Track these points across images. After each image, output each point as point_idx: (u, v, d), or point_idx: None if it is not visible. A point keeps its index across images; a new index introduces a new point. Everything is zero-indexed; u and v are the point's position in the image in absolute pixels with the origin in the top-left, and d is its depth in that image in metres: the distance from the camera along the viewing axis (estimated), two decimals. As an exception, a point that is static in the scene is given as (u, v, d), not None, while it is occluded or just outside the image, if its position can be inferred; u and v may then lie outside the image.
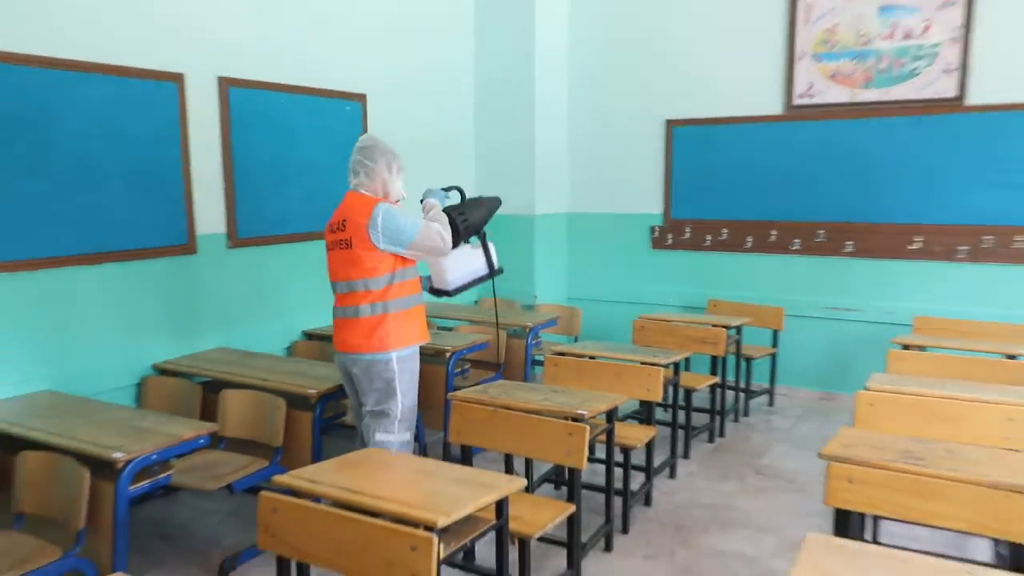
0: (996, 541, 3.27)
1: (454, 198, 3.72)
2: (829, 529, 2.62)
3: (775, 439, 5.06)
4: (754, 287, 6.03)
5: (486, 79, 6.45)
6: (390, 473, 2.59)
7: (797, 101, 5.79)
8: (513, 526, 2.73)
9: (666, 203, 6.37)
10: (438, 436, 4.57)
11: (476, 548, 3.21)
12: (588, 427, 3.02)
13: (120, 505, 2.88)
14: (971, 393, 3.28)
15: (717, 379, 4.94)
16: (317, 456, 3.70)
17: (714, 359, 5.06)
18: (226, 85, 4.45)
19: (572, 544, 3.14)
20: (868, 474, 2.51)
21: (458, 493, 2.40)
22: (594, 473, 4.10)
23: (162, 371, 4.17)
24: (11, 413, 3.34)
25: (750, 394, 5.61)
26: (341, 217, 3.38)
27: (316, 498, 2.41)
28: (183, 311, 4.34)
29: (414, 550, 2.12)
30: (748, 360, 5.50)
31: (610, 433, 3.42)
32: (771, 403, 5.79)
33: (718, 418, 5.09)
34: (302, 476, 2.54)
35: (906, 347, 4.36)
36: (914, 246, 5.50)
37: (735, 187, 6.07)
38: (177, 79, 4.18)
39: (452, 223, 3.50)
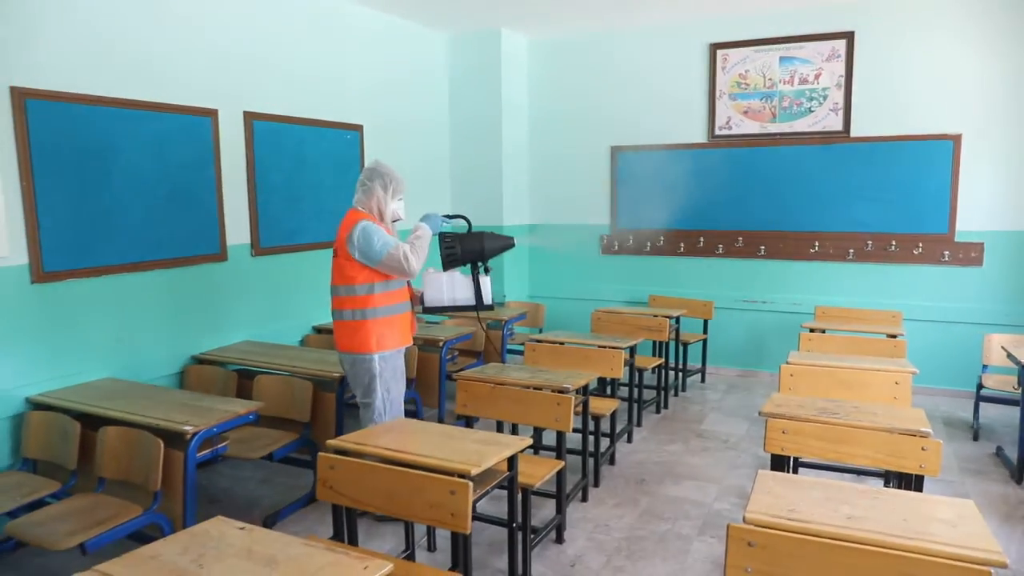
0: (887, 476, 3.63)
1: (462, 227, 3.58)
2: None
3: (709, 409, 5.34)
4: (687, 284, 6.28)
5: (460, 116, 6.53)
6: (422, 437, 2.77)
7: (718, 132, 6.10)
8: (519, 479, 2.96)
9: (612, 215, 6.58)
10: (433, 412, 4.73)
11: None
12: (573, 397, 3.26)
13: (189, 469, 3.02)
14: (866, 364, 3.63)
15: (662, 361, 5.19)
16: (340, 429, 3.82)
17: (656, 344, 5.34)
18: (250, 119, 4.55)
19: (560, 494, 3.37)
20: (797, 426, 2.80)
21: (481, 450, 2.61)
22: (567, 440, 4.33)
23: (200, 360, 4.26)
24: (85, 396, 3.43)
25: (687, 373, 5.86)
26: (340, 228, 3.36)
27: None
28: (216, 309, 4.42)
29: (453, 494, 2.31)
30: (685, 345, 5.73)
31: (586, 404, 3.67)
32: (703, 380, 6.07)
33: (663, 393, 5.33)
34: (351, 440, 2.71)
35: (812, 330, 4.71)
36: (814, 249, 5.84)
37: (669, 202, 6.26)
38: (211, 114, 4.29)
39: (439, 247, 3.40)
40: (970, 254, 5.39)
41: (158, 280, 4.05)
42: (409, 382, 4.47)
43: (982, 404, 4.80)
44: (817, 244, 5.82)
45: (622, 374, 4.14)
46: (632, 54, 6.34)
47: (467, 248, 3.45)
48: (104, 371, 3.78)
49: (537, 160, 6.86)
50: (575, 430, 3.64)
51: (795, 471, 3.63)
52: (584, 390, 3.62)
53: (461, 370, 3.76)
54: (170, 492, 3.02)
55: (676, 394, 5.70)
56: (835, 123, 5.70)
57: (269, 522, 3.56)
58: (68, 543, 2.69)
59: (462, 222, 3.63)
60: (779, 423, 2.82)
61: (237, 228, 4.53)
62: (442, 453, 2.56)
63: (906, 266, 5.58)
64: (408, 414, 3.67)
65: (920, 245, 5.51)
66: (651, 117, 6.31)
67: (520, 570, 2.93)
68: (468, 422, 3.56)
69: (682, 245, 6.30)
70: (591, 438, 3.88)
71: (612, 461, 4.29)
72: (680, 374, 5.79)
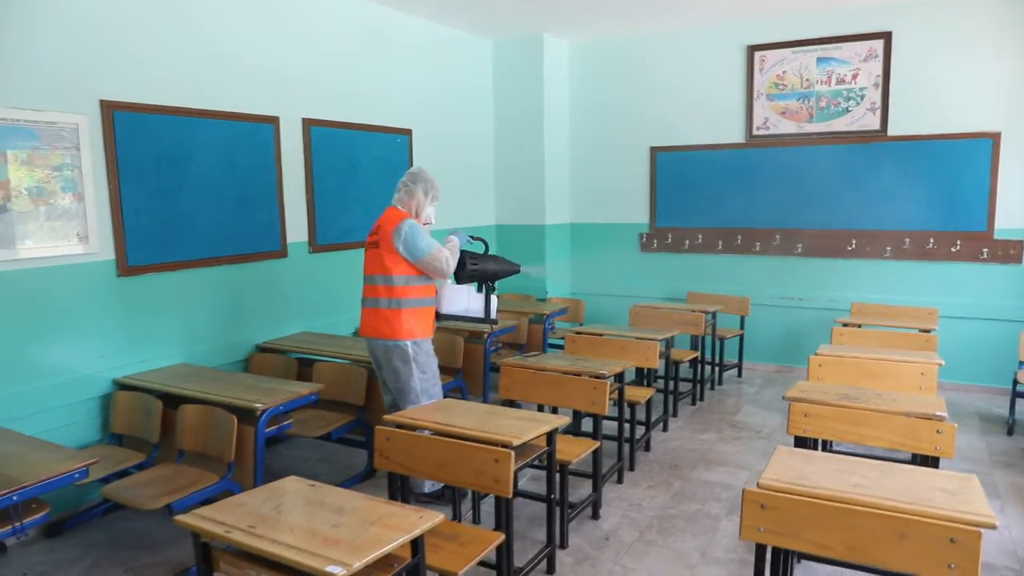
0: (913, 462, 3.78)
1: (477, 247, 3.93)
2: (790, 452, 3.10)
3: (744, 402, 5.52)
4: (724, 281, 6.44)
5: (504, 119, 6.83)
6: (469, 414, 3.06)
7: (756, 132, 6.27)
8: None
9: (651, 214, 6.78)
10: (477, 400, 5.00)
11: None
12: (608, 382, 3.52)
13: (259, 443, 3.36)
14: (894, 356, 3.79)
15: (697, 354, 5.39)
16: (390, 411, 4.13)
17: (694, 339, 5.54)
18: (308, 125, 4.91)
19: (596, 472, 3.62)
20: (819, 409, 3.00)
21: (522, 425, 2.89)
22: (604, 428, 4.57)
23: (262, 349, 4.62)
24: (165, 378, 3.81)
25: (723, 367, 6.03)
26: (378, 224, 3.62)
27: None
28: (276, 302, 4.77)
29: (497, 462, 2.59)
30: (721, 340, 5.91)
31: (621, 390, 3.91)
32: (739, 375, 6.24)
33: (698, 386, 5.52)
34: (405, 415, 3.02)
35: (846, 325, 4.86)
36: (851, 247, 5.96)
37: (707, 201, 6.48)
38: (273, 121, 4.66)
39: (463, 262, 3.71)
40: (1009, 251, 5.46)
41: (226, 275, 4.43)
42: (455, 371, 4.80)
43: (1018, 400, 4.88)
44: (854, 242, 5.94)
45: (657, 365, 4.36)
46: (671, 57, 6.54)
47: (486, 268, 3.84)
48: (179, 357, 4.16)
49: (578, 161, 7.10)
50: (612, 418, 3.90)
51: (822, 456, 3.81)
52: (620, 377, 3.86)
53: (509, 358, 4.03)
54: (242, 463, 3.36)
55: (712, 388, 5.88)
56: (872, 122, 5.82)
57: (328, 496, 3.87)
58: (157, 504, 3.05)
59: (480, 244, 3.99)
60: (801, 407, 3.02)
61: (296, 227, 4.89)
62: (487, 427, 2.84)
63: (944, 264, 5.66)
64: (454, 400, 3.94)
65: (958, 242, 5.59)
66: (690, 118, 6.50)
67: (558, 540, 3.20)
68: (511, 406, 3.84)
69: (720, 243, 6.48)
70: (627, 424, 4.11)
71: (647, 447, 4.52)
72: (716, 368, 5.97)
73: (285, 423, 3.60)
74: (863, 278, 5.95)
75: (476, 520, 3.54)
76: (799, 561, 3.11)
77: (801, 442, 3.09)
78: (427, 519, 2.11)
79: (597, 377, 3.56)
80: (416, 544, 2.12)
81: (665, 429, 4.88)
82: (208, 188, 4.28)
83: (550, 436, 2.99)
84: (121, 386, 3.83)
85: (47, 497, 2.68)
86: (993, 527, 1.95)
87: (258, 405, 3.33)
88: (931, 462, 2.89)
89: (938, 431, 2.80)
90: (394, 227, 3.51)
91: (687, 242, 6.62)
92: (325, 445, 4.57)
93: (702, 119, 6.45)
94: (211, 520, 2.08)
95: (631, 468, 4.20)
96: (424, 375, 3.61)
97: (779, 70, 6.12)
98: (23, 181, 3.43)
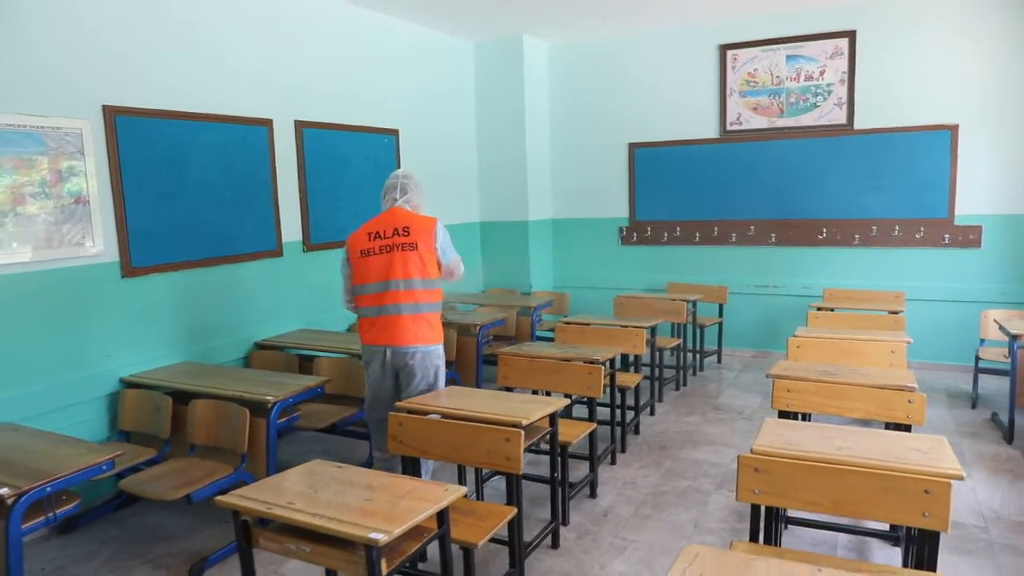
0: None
1: None
2: (775, 426, 3.33)
3: (725, 386, 5.78)
4: (702, 272, 6.70)
5: (486, 118, 7.03)
6: (475, 399, 3.23)
7: (729, 128, 6.52)
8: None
9: (631, 209, 7.01)
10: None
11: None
12: (603, 367, 3.72)
13: (271, 434, 3.49)
14: (866, 336, 4.06)
15: (680, 341, 5.64)
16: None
17: (675, 327, 5.78)
18: (300, 127, 5.05)
19: (593, 453, 3.83)
20: (800, 385, 3.23)
21: (528, 408, 3.06)
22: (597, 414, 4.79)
23: (261, 346, 4.75)
24: (171, 376, 3.94)
25: (703, 354, 6.29)
26: (400, 224, 3.40)
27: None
28: (273, 300, 4.90)
29: (508, 441, 2.77)
30: (701, 328, 6.16)
31: (613, 375, 4.12)
32: (719, 361, 6.50)
33: (682, 372, 5.76)
34: (416, 401, 3.18)
35: (819, 309, 5.13)
36: (822, 236, 6.26)
37: (684, 194, 6.73)
38: (267, 124, 4.78)
39: None
40: (969, 237, 5.79)
41: (224, 274, 4.55)
42: (449, 363, 4.97)
43: (981, 376, 5.20)
44: (825, 231, 6.24)
45: (644, 351, 4.58)
46: (646, 56, 6.78)
47: None
48: (181, 356, 4.28)
49: (559, 158, 7.31)
50: (602, 404, 4.10)
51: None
52: (611, 363, 4.07)
53: (495, 354, 4.18)
54: (255, 454, 3.50)
55: (694, 373, 6.13)
56: (839, 117, 6.11)
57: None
58: (176, 495, 3.18)
59: None
60: (784, 383, 3.25)
61: (290, 227, 5.02)
62: (495, 410, 3.02)
63: (909, 250, 5.98)
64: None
65: (922, 229, 5.91)
66: (666, 115, 6.74)
67: (560, 518, 3.40)
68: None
69: (697, 235, 6.74)
70: (618, 408, 4.32)
71: (637, 431, 4.74)
72: (697, 355, 6.21)
73: (294, 415, 3.75)
74: (834, 265, 6.24)
75: (479, 497, 3.72)
76: (786, 527, 3.35)
77: (784, 416, 3.32)
78: (452, 493, 2.29)
79: (591, 363, 3.76)
80: (442, 515, 2.29)
81: (652, 413, 5.11)
82: (206, 190, 4.40)
83: (552, 417, 3.18)
84: (127, 384, 3.94)
85: (75, 489, 2.81)
86: (961, 478, 2.20)
87: (269, 397, 3.47)
88: (904, 430, 3.14)
89: (909, 401, 3.05)
90: (434, 227, 3.42)
91: (666, 235, 6.86)
92: (325, 438, 4.71)
93: (677, 116, 6.69)
94: (251, 499, 2.23)
95: (623, 450, 4.41)
96: (442, 381, 3.59)
97: (750, 68, 6.38)
98: (31, 185, 3.53)
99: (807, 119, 6.22)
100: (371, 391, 3.57)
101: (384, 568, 2.06)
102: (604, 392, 3.71)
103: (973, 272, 5.82)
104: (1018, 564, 3.07)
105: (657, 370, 5.28)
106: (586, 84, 7.08)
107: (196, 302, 4.39)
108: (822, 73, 6.13)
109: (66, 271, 3.70)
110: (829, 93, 6.12)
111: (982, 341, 5.20)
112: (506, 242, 7.03)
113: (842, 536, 3.33)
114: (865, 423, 4.05)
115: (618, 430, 4.36)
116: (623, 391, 4.36)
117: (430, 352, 3.48)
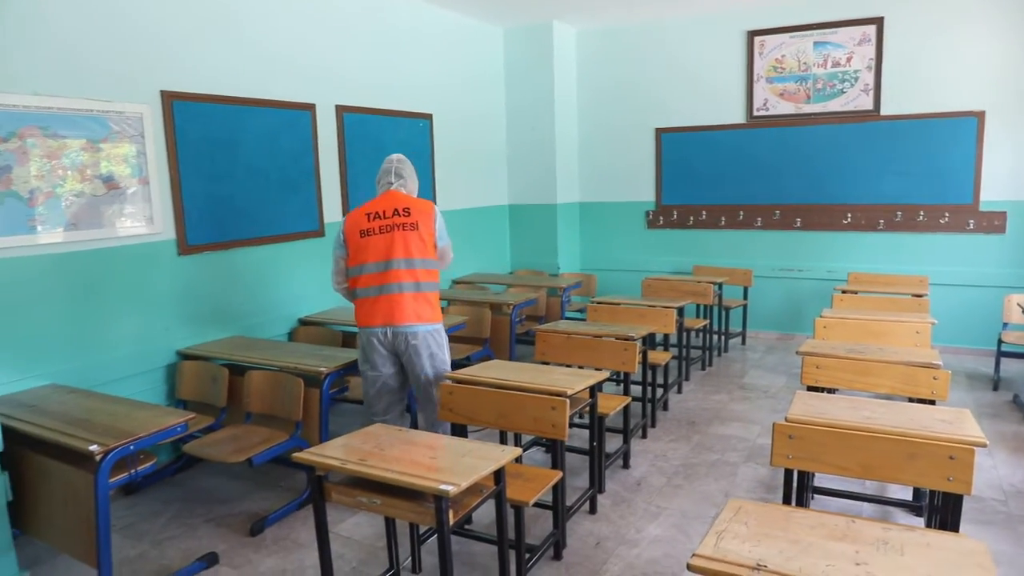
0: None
1: None
2: (803, 400, 3.51)
3: (750, 366, 5.95)
4: (728, 255, 6.86)
5: (515, 102, 7.19)
6: (520, 371, 3.43)
7: (756, 113, 6.65)
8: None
9: (657, 192, 7.17)
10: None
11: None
12: (637, 344, 3.91)
13: (324, 403, 3.71)
14: (891, 317, 4.21)
15: (707, 322, 5.81)
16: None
17: (700, 309, 5.95)
18: (341, 111, 5.24)
19: (626, 426, 4.03)
20: (829, 362, 3.40)
21: (571, 380, 3.27)
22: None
23: (305, 323, 4.98)
24: (225, 348, 4.17)
25: (729, 336, 6.46)
26: (400, 205, 3.45)
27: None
28: (316, 279, 5.09)
29: (553, 409, 2.96)
30: (727, 310, 6.33)
31: (645, 352, 4.31)
32: (743, 342, 6.67)
33: (708, 352, 5.95)
34: (463, 373, 3.38)
35: (844, 292, 5.29)
36: (846, 221, 6.39)
37: (711, 179, 6.87)
38: (311, 108, 4.98)
39: None
40: (993, 222, 5.90)
41: (270, 253, 4.77)
42: (483, 341, 5.18)
43: (1003, 359, 5.34)
44: (849, 216, 6.37)
45: (674, 330, 4.76)
46: (674, 42, 6.90)
47: None
48: (231, 330, 4.51)
49: (586, 142, 7.46)
50: (634, 382, 4.29)
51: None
52: (644, 340, 4.26)
53: (527, 332, 4.38)
54: (308, 422, 3.73)
55: (719, 354, 6.31)
56: (866, 103, 6.22)
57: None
58: (239, 457, 3.42)
59: None
60: (814, 359, 3.43)
61: (331, 207, 5.22)
62: (540, 381, 3.23)
63: (933, 235, 6.10)
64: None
65: (946, 215, 6.03)
66: (693, 100, 6.87)
67: (598, 485, 3.60)
68: (545, 369, 4.22)
69: (723, 219, 6.88)
70: (649, 385, 4.52)
71: (666, 407, 4.93)
72: (723, 337, 6.38)
73: (344, 387, 3.97)
74: (858, 249, 6.37)
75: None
76: (813, 497, 3.54)
77: (813, 391, 3.50)
78: (508, 453, 2.50)
79: (626, 339, 3.95)
80: (499, 474, 2.50)
81: (680, 391, 5.30)
82: (254, 172, 4.61)
83: (593, 389, 3.38)
84: (184, 356, 4.18)
85: (150, 450, 3.04)
86: (984, 445, 2.38)
87: (323, 369, 3.69)
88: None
89: (934, 378, 3.21)
90: (432, 210, 3.51)
91: (692, 218, 7.01)
92: (361, 411, 4.93)
93: (704, 101, 6.82)
94: (327, 456, 2.45)
95: (653, 425, 4.61)
96: (447, 360, 3.58)
97: (778, 54, 6.49)
98: (98, 166, 3.75)
99: (834, 105, 6.34)
100: (371, 384, 3.55)
101: (451, 518, 2.27)
102: (636, 369, 3.90)
103: (997, 257, 5.93)
104: (1035, 533, 3.25)
105: (684, 350, 5.46)
106: (614, 69, 7.22)
107: (244, 279, 4.61)
108: (849, 59, 6.24)
109: (128, 248, 3.93)
110: (856, 79, 6.23)
111: (1005, 325, 5.34)
112: (534, 224, 7.22)
113: (867, 505, 3.51)
114: (890, 400, 4.22)
115: (649, 406, 4.55)
116: (654, 368, 4.55)
117: (432, 331, 3.49)
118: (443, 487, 2.19)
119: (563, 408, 2.95)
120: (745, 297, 6.59)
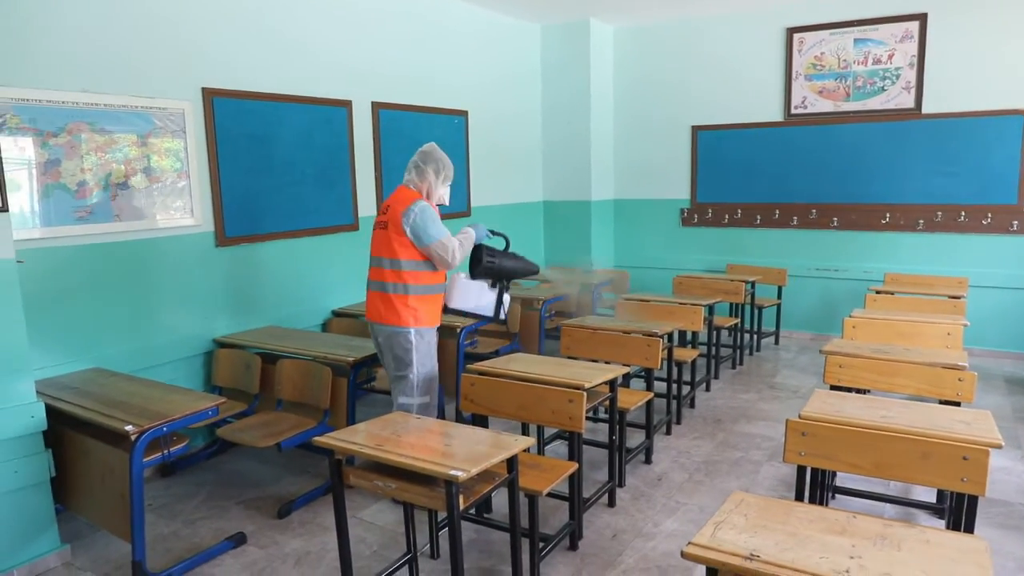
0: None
1: (498, 242, 3.72)
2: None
3: (782, 366, 5.90)
4: (762, 254, 6.80)
5: (552, 100, 7.22)
6: (541, 364, 3.48)
7: (794, 111, 6.57)
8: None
9: (692, 190, 7.13)
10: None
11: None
12: (661, 340, 3.93)
13: (351, 391, 3.82)
14: (922, 318, 4.14)
15: (737, 320, 5.78)
16: (460, 364, 4.51)
17: (733, 307, 5.92)
18: (377, 108, 5.35)
19: (649, 421, 4.05)
20: (852, 361, 3.37)
21: (590, 373, 3.31)
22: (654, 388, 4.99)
23: (338, 314, 5.11)
24: (259, 338, 4.31)
25: (761, 335, 6.40)
26: (388, 204, 3.47)
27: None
28: (349, 272, 5.21)
29: (571, 402, 3.02)
30: (760, 309, 6.28)
31: (670, 350, 4.32)
32: (776, 342, 6.60)
33: (738, 351, 5.91)
34: (485, 366, 3.45)
35: (879, 292, 5.20)
36: (885, 220, 6.27)
37: (746, 177, 6.81)
38: (347, 104, 5.10)
39: (479, 257, 3.57)
40: (1039, 224, 5.74)
41: (306, 246, 4.91)
42: (513, 335, 5.25)
43: (1044, 364, 5.20)
44: (888, 215, 6.25)
45: (701, 327, 4.76)
46: (712, 39, 6.85)
47: (503, 265, 3.64)
48: (267, 320, 4.66)
49: (621, 140, 7.46)
50: (659, 378, 4.30)
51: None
52: (670, 337, 4.27)
53: (556, 328, 4.42)
54: (336, 410, 3.84)
55: (751, 353, 6.26)
56: (907, 101, 6.10)
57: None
58: (268, 442, 3.55)
59: (500, 239, 3.77)
60: (836, 359, 3.40)
61: (366, 202, 5.34)
62: (559, 374, 3.28)
63: (975, 236, 5.95)
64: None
65: (989, 215, 5.88)
66: (730, 98, 6.82)
67: (617, 479, 3.64)
68: (569, 363, 4.27)
69: (758, 217, 6.82)
70: (674, 382, 4.53)
71: (692, 404, 4.93)
72: (755, 336, 6.34)
73: (371, 376, 4.07)
74: (896, 250, 6.25)
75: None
76: (834, 496, 3.52)
77: (837, 391, 3.48)
78: (521, 442, 2.56)
79: (650, 335, 3.97)
80: (511, 462, 2.56)
81: (708, 389, 5.29)
82: (291, 167, 4.75)
83: (612, 383, 3.42)
84: (220, 344, 4.33)
85: (183, 432, 3.18)
86: (999, 446, 2.35)
87: (350, 359, 3.80)
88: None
89: (959, 379, 3.16)
90: (404, 208, 3.35)
91: (727, 217, 6.97)
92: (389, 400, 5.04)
93: (742, 98, 6.76)
94: (345, 441, 2.54)
95: (678, 422, 4.61)
96: (423, 367, 3.48)
97: (817, 51, 6.41)
98: (143, 160, 3.92)
99: (874, 103, 6.23)
100: (386, 374, 3.67)
101: (461, 503, 2.34)
102: (661, 365, 3.91)
103: (1041, 260, 5.77)
104: (1063, 540, 3.18)
105: (714, 348, 5.45)
106: (651, 66, 7.20)
107: (280, 271, 4.75)
108: (890, 57, 6.12)
109: (170, 240, 4.09)
110: (897, 77, 6.11)
111: (1047, 329, 5.20)
112: (568, 221, 7.26)
113: (888, 507, 3.48)
114: (914, 401, 4.16)
115: (674, 403, 4.56)
116: (680, 365, 4.56)
117: (394, 334, 3.42)
118: (453, 472, 2.26)
119: (580, 401, 3.00)
120: (779, 296, 6.52)
